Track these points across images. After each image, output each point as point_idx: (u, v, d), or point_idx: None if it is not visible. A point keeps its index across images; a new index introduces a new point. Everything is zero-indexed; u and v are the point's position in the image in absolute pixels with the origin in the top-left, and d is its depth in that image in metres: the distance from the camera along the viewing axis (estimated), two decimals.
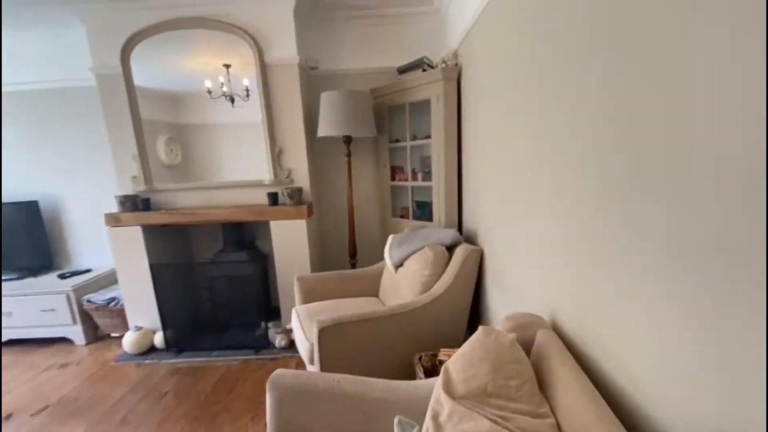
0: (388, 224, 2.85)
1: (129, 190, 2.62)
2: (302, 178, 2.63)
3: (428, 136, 2.40)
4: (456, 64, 2.22)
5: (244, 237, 2.85)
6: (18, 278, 2.94)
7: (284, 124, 2.57)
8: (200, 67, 2.54)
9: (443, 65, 2.24)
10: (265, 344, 2.59)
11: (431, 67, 2.37)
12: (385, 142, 2.73)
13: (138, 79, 2.50)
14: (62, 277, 2.92)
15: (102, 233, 2.90)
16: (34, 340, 2.87)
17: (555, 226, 1.13)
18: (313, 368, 1.78)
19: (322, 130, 2.45)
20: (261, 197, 2.60)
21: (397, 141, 2.70)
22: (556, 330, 1.14)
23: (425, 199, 2.62)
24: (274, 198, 2.55)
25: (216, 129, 2.68)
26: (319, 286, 2.29)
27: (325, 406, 1.27)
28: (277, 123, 2.56)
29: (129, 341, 2.59)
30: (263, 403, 2.02)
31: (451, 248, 2.03)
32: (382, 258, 2.35)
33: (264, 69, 2.47)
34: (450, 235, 2.04)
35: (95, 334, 2.90)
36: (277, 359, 2.47)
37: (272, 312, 2.78)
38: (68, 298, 2.75)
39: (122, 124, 2.52)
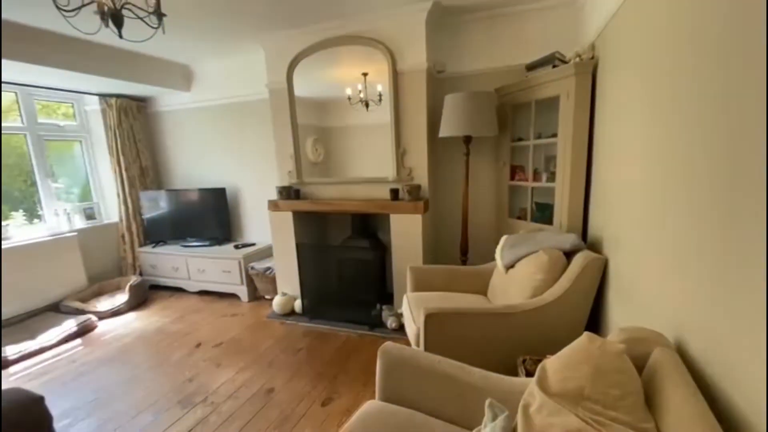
0: (504, 225, 2.80)
1: (285, 182, 3.23)
2: (421, 176, 2.81)
3: (554, 135, 2.29)
4: (592, 58, 2.05)
5: (368, 227, 3.20)
6: (209, 245, 3.93)
7: (409, 126, 2.78)
8: (342, 76, 2.95)
9: (577, 59, 2.10)
10: (379, 323, 2.87)
11: (563, 61, 2.24)
12: (507, 141, 2.69)
13: (296, 91, 3.05)
14: (236, 247, 3.78)
15: (264, 215, 3.63)
16: (216, 293, 3.81)
17: (693, 239, 1.01)
18: None
19: (444, 131, 2.57)
20: (384, 192, 2.87)
21: (520, 140, 2.63)
22: (681, 352, 1.02)
23: (546, 200, 2.49)
24: (395, 193, 2.79)
25: (351, 131, 3.08)
26: (430, 278, 2.43)
27: (425, 381, 1.41)
28: (403, 125, 2.79)
29: (277, 303, 3.22)
30: (374, 373, 2.27)
31: (570, 254, 1.92)
32: (493, 258, 2.34)
33: (395, 76, 2.72)
34: (570, 240, 1.93)
35: (254, 294, 3.67)
36: (388, 338, 2.71)
37: (387, 296, 3.06)
38: (239, 264, 3.56)
39: (284, 128, 3.12)
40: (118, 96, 3.82)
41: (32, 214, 3.59)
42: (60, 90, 3.59)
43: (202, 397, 2.18)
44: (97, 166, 4.10)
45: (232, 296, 3.72)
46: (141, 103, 4.08)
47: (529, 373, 1.59)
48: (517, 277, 2.02)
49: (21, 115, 3.43)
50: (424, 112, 2.72)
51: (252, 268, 3.54)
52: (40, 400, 1.11)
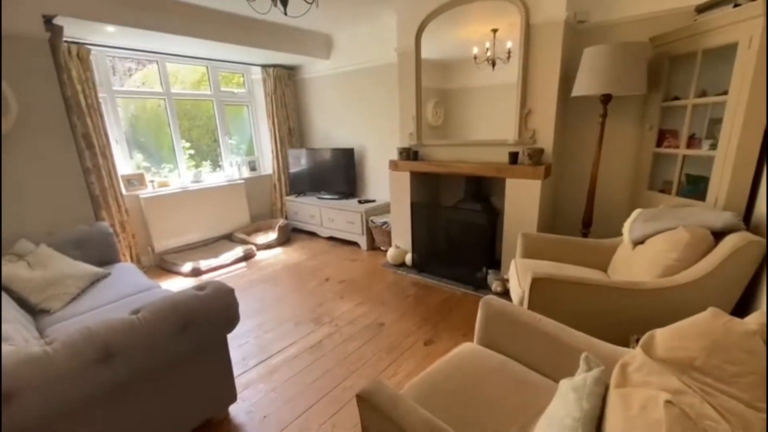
0: (640, 198, 2.48)
1: (406, 143, 3.43)
2: (545, 139, 2.65)
3: (724, 92, 1.89)
4: None
5: (482, 191, 3.20)
6: (337, 198, 4.47)
7: (537, 85, 2.62)
8: (469, 35, 2.90)
9: None
10: (483, 285, 2.95)
11: None
12: (657, 100, 2.31)
13: (422, 53, 3.13)
14: (359, 202, 4.23)
15: (384, 175, 3.94)
16: (341, 240, 4.38)
17: None
18: None
19: (579, 89, 2.35)
20: (502, 155, 2.81)
21: (675, 99, 2.23)
22: None
23: (701, 172, 2.11)
24: (514, 157, 2.71)
25: (473, 92, 3.05)
26: (542, 247, 2.36)
27: (523, 335, 1.48)
28: (531, 84, 2.64)
29: (391, 254, 3.56)
30: (474, 327, 2.40)
31: (721, 235, 1.64)
32: (620, 234, 2.13)
33: (528, 30, 2.56)
34: (723, 218, 1.64)
35: (372, 245, 4.11)
36: None
37: (494, 262, 3.08)
38: (361, 216, 4.00)
39: (408, 91, 3.27)
40: (274, 66, 4.51)
41: (215, 164, 4.64)
42: (234, 63, 4.43)
43: (329, 319, 2.65)
44: (258, 126, 4.99)
45: (354, 244, 4.24)
46: (291, 71, 4.73)
47: None
48: (646, 254, 1.83)
49: (210, 85, 4.38)
50: (557, 68, 2.51)
51: (371, 221, 3.95)
52: (232, 290, 1.60)
